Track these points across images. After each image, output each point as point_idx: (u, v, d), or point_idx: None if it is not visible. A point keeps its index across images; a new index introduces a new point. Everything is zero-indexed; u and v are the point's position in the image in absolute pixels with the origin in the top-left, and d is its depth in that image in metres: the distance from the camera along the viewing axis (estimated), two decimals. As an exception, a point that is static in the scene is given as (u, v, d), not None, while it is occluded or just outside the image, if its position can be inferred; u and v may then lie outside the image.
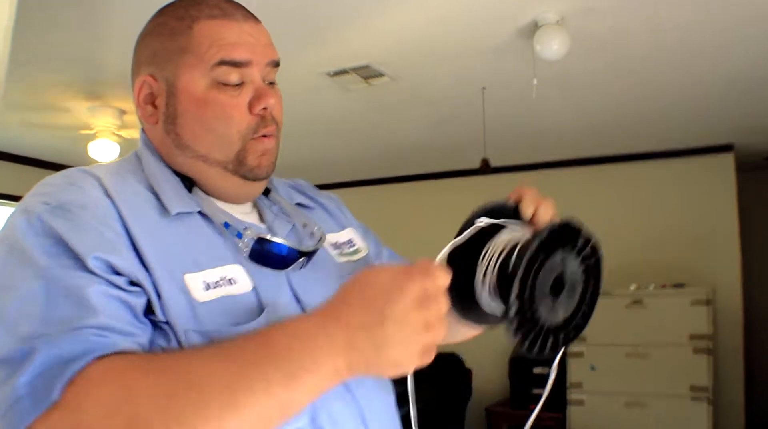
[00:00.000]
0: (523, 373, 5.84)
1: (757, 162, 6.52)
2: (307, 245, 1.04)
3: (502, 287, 0.92)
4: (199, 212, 0.97)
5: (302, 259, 1.00)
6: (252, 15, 1.03)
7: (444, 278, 0.79)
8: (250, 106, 0.98)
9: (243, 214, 1.05)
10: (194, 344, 0.84)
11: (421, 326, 0.76)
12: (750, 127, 5.50)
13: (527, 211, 1.05)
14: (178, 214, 0.94)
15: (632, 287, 5.61)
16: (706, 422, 5.07)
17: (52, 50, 3.90)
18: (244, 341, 0.78)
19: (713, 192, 5.99)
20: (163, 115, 1.00)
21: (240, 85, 0.98)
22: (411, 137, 5.80)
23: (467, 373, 6.02)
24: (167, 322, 0.84)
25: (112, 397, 0.71)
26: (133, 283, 0.84)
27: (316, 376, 0.75)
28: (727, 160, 5.98)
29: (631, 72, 4.23)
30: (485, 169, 4.91)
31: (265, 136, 1.00)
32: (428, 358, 0.78)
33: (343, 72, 4.20)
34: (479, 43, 3.83)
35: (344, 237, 1.17)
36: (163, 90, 0.99)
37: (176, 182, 0.99)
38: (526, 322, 0.87)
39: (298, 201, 1.16)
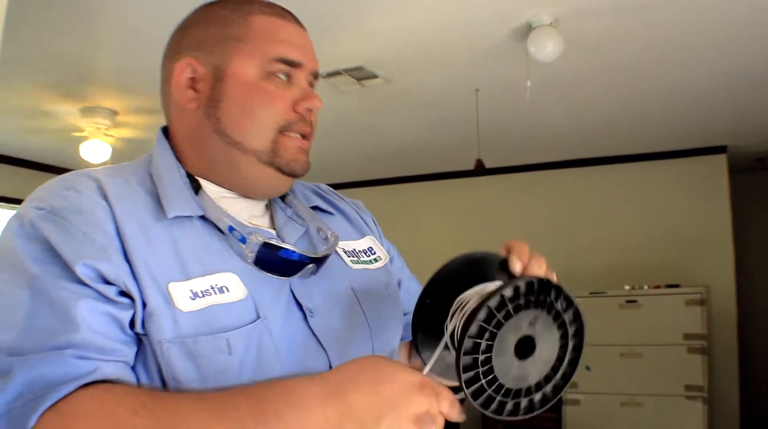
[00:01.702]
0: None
1: (749, 163, 6.54)
2: (318, 251, 1.01)
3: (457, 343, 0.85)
4: (201, 217, 0.95)
5: (311, 265, 0.97)
6: (299, 21, 1.05)
7: (449, 405, 0.77)
8: (295, 104, 0.99)
9: (253, 217, 1.03)
10: (171, 356, 0.82)
11: (412, 422, 0.74)
12: (743, 129, 5.52)
13: (514, 266, 0.95)
14: (175, 217, 0.91)
15: (627, 287, 5.62)
16: (701, 421, 5.08)
17: (43, 51, 3.88)
18: (237, 399, 0.76)
19: (707, 193, 6.00)
20: (206, 99, 0.99)
21: (289, 83, 1.00)
22: (405, 139, 5.79)
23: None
24: (145, 334, 0.83)
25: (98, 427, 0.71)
26: (122, 293, 0.82)
27: None
28: (720, 162, 6.00)
29: (624, 74, 4.24)
30: (479, 169, 4.90)
31: (301, 135, 1.01)
32: None
33: (336, 73, 4.19)
34: (473, 45, 3.82)
35: (363, 245, 1.14)
36: (208, 74, 0.99)
37: (183, 183, 0.97)
38: (477, 380, 0.80)
39: (316, 204, 1.14)
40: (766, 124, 5.38)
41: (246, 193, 1.02)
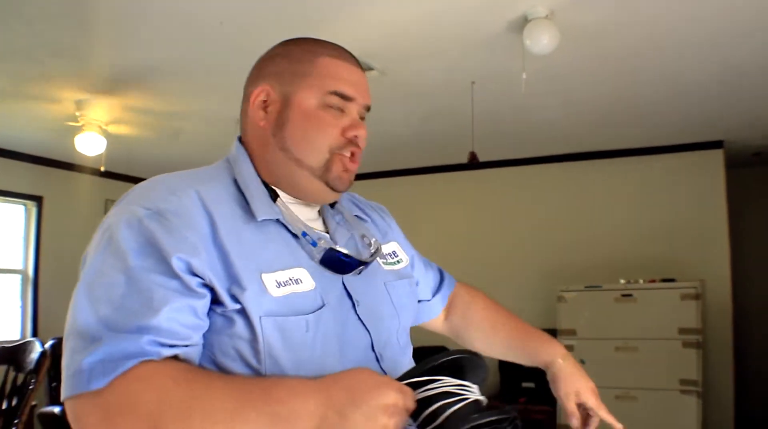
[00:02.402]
0: (513, 366, 5.80)
1: (746, 158, 6.54)
2: (366, 256, 1.26)
3: None
4: (277, 220, 1.17)
5: (361, 266, 1.22)
6: (358, 64, 1.28)
7: (412, 404, 0.98)
8: (344, 130, 1.21)
9: (310, 220, 1.26)
10: (267, 328, 1.05)
11: (381, 427, 0.93)
12: (739, 124, 5.51)
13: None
14: (262, 220, 1.14)
15: (622, 281, 5.62)
16: (695, 415, 5.08)
17: (36, 42, 3.86)
18: (253, 385, 0.99)
19: (703, 188, 6.00)
20: (274, 121, 1.21)
21: (342, 113, 1.21)
22: (399, 131, 5.78)
23: (457, 368, 6.01)
24: (241, 311, 1.05)
25: (145, 395, 0.93)
26: (204, 284, 1.04)
27: (291, 427, 0.94)
28: (717, 156, 6.00)
29: (621, 67, 4.23)
30: (473, 162, 4.89)
31: (349, 155, 1.22)
32: None
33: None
34: (469, 37, 3.81)
35: (389, 249, 1.40)
36: (277, 101, 1.21)
37: (263, 192, 1.20)
38: None
39: (356, 213, 1.40)
40: (762, 119, 5.37)
41: (302, 198, 1.25)
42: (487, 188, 6.83)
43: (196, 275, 1.03)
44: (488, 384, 6.30)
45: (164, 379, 0.95)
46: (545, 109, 5.12)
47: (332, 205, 1.34)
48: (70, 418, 0.98)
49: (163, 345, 0.98)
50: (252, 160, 1.24)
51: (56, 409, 4.96)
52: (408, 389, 0.98)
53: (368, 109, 1.27)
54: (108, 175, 6.60)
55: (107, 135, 5.30)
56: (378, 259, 1.32)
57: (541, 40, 3.48)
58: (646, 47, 3.93)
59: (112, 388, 0.93)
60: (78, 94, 4.76)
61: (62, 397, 0.98)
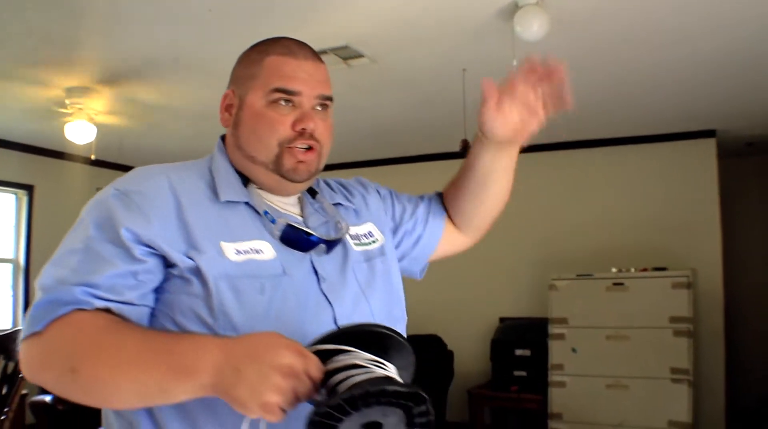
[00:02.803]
0: (505, 355, 5.85)
1: (738, 147, 6.54)
2: (329, 235, 1.32)
3: None
4: (246, 203, 1.27)
5: (322, 245, 1.28)
6: (314, 56, 1.33)
7: (315, 371, 0.98)
8: (293, 125, 1.27)
9: (288, 204, 1.35)
10: (221, 288, 1.14)
11: (272, 387, 0.94)
12: (732, 113, 5.51)
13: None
14: (226, 201, 1.25)
15: (614, 270, 5.62)
16: (686, 404, 5.10)
17: (26, 29, 3.83)
18: (168, 338, 1.09)
19: (695, 177, 6.01)
20: (233, 121, 1.32)
21: (291, 108, 1.27)
22: (390, 119, 5.77)
23: (449, 356, 6.02)
24: (196, 273, 1.14)
25: (71, 337, 1.06)
26: (151, 252, 1.14)
27: (189, 378, 0.99)
28: (709, 146, 6.00)
29: (612, 54, 4.21)
30: (466, 150, 4.87)
31: (305, 148, 1.28)
32: (270, 415, 0.95)
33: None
34: (459, 24, 3.79)
35: (364, 229, 1.44)
36: (236, 102, 1.32)
37: (235, 178, 1.30)
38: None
39: (338, 201, 1.45)
40: (755, 108, 5.37)
41: (271, 191, 1.32)
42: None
43: (143, 244, 1.14)
44: (479, 373, 6.35)
45: (88, 326, 1.06)
46: (537, 98, 5.10)
47: (314, 196, 1.42)
48: (21, 359, 1.11)
49: (96, 297, 1.09)
50: (228, 155, 1.35)
51: (47, 398, 4.95)
52: (311, 355, 0.99)
53: (327, 99, 1.31)
54: (98, 163, 6.55)
55: (97, 122, 5.27)
56: (350, 240, 1.38)
57: (532, 27, 3.47)
58: (638, 35, 3.91)
59: (48, 331, 1.06)
60: (69, 82, 4.73)
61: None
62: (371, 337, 1.04)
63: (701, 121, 5.76)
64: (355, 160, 7.11)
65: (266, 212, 1.27)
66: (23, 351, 1.10)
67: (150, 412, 1.15)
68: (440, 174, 7.03)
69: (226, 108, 1.35)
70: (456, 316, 6.60)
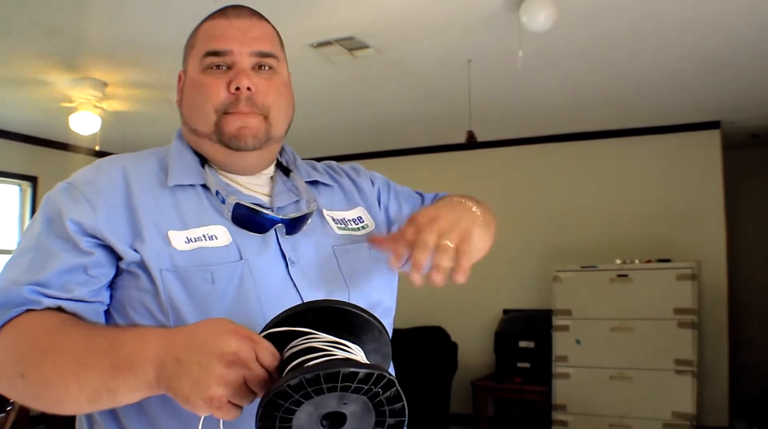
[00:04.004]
0: (508, 346, 5.85)
1: (743, 139, 6.53)
2: (292, 213, 1.20)
3: None
4: (203, 185, 1.18)
5: (280, 224, 1.17)
6: (249, 14, 1.23)
7: (269, 357, 0.87)
8: (228, 86, 1.16)
9: (257, 185, 1.25)
10: (167, 281, 1.07)
11: (216, 378, 0.84)
12: (736, 105, 5.50)
13: (417, 263, 1.01)
14: (175, 185, 1.16)
15: (618, 262, 5.61)
16: (690, 395, 5.10)
17: (31, 20, 3.82)
18: (109, 332, 0.99)
19: (699, 168, 6.00)
20: (180, 98, 1.25)
21: (226, 71, 1.18)
22: (396, 110, 5.76)
23: (453, 347, 6.03)
24: (142, 266, 1.08)
25: (18, 340, 1.00)
26: (98, 244, 1.08)
27: (131, 373, 0.90)
28: (714, 137, 5.99)
29: (618, 44, 4.20)
30: (471, 141, 4.87)
31: (246, 110, 1.17)
32: (218, 411, 0.84)
33: (326, 43, 4.15)
34: (465, 15, 3.78)
35: (353, 215, 1.33)
36: (183, 79, 1.25)
37: (192, 160, 1.22)
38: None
39: (315, 178, 1.33)
40: (760, 100, 5.36)
41: (229, 170, 1.24)
42: (484, 168, 6.81)
43: (88, 235, 1.08)
44: (483, 365, 6.36)
45: (34, 327, 1.00)
46: (542, 89, 5.10)
47: (287, 174, 1.31)
48: None
49: (46, 295, 1.03)
50: (185, 136, 1.27)
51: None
52: (262, 340, 0.88)
53: (266, 56, 1.20)
54: (103, 154, 6.53)
55: (102, 112, 5.26)
56: (333, 223, 1.28)
57: (538, 17, 3.46)
58: (644, 27, 3.90)
59: (0, 335, 1.01)
60: (73, 72, 4.73)
61: None
62: (335, 317, 0.92)
63: (706, 113, 5.75)
64: (361, 152, 7.11)
65: (217, 192, 1.16)
66: None
67: (113, 413, 1.09)
68: (446, 165, 7.07)
69: (180, 86, 1.27)
70: (459, 308, 6.60)
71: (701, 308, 5.50)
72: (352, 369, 0.79)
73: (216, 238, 1.12)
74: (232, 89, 1.16)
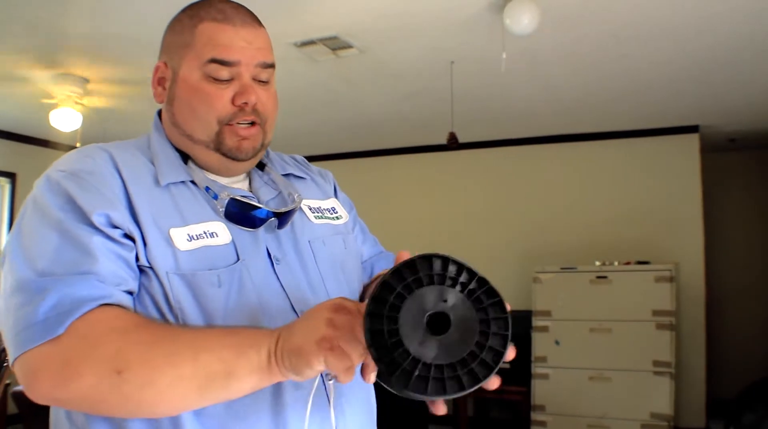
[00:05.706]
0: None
1: (721, 143, 6.60)
2: (279, 208, 1.20)
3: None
4: (192, 181, 1.16)
5: (273, 219, 1.17)
6: (252, 20, 1.19)
7: (353, 313, 0.91)
8: (233, 99, 1.14)
9: (233, 181, 1.23)
10: (174, 284, 1.05)
11: (325, 320, 0.91)
12: (715, 109, 5.56)
13: None
14: (167, 184, 1.13)
15: (597, 263, 5.66)
16: (668, 396, 5.15)
17: (12, 15, 3.79)
18: (207, 326, 1.03)
19: (678, 172, 6.05)
20: (167, 97, 1.20)
21: (229, 80, 1.15)
22: (378, 110, 5.76)
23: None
24: (150, 267, 1.05)
25: (108, 337, 0.94)
26: (126, 236, 1.05)
27: (254, 351, 0.94)
28: (693, 141, 6.05)
29: (600, 49, 4.23)
30: (452, 143, 4.88)
31: (248, 124, 1.16)
32: (332, 355, 0.89)
33: (310, 42, 4.14)
34: (449, 16, 3.79)
35: (328, 204, 1.34)
36: (169, 76, 1.19)
37: (175, 157, 1.19)
38: (388, 355, 0.84)
39: (290, 171, 1.34)
40: (738, 105, 5.42)
41: (213, 172, 1.21)
42: (464, 169, 6.83)
43: (117, 227, 1.04)
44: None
45: (123, 322, 0.97)
46: (524, 91, 5.12)
47: (262, 168, 1.30)
48: (23, 376, 0.95)
49: (108, 283, 0.99)
50: (165, 130, 1.23)
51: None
52: (361, 304, 0.92)
53: (268, 66, 1.19)
54: (83, 151, 6.51)
55: (83, 109, 5.22)
56: (309, 212, 1.28)
57: (522, 20, 3.47)
58: (625, 32, 3.93)
59: (71, 333, 0.94)
60: (54, 69, 4.69)
61: (12, 358, 0.96)
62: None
63: (685, 117, 5.81)
64: (342, 151, 7.11)
65: (207, 188, 1.16)
66: (29, 365, 0.94)
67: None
68: (427, 166, 7.08)
69: (159, 82, 1.21)
70: (440, 307, 6.59)
71: (679, 310, 5.56)
72: (443, 255, 0.86)
73: (217, 236, 1.12)
74: (238, 103, 1.14)
